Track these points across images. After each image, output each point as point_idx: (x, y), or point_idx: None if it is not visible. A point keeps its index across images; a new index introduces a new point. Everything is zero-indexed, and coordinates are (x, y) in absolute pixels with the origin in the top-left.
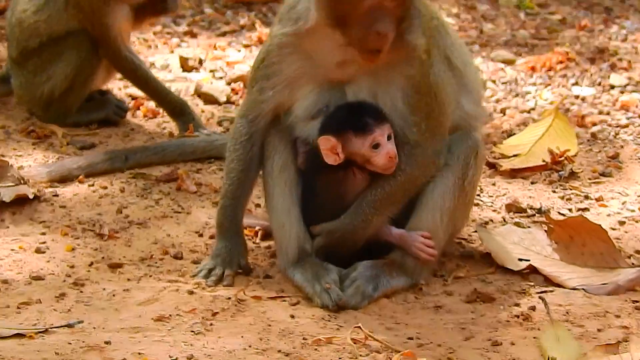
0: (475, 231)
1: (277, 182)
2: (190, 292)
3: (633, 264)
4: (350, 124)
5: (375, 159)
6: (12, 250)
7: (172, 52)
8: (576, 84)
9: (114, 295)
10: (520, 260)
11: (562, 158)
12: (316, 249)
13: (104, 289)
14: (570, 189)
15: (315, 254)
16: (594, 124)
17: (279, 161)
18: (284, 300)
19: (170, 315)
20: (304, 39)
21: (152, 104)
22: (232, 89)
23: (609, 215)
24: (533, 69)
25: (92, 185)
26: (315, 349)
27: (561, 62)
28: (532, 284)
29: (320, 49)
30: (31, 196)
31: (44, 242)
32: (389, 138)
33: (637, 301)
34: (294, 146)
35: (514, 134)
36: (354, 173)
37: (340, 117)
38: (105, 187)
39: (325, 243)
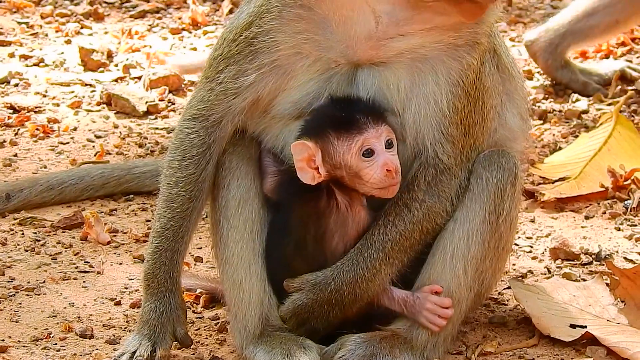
0: (509, 287)
1: (233, 223)
2: None
3: None
4: (332, 120)
5: (367, 172)
6: None
7: (68, 42)
8: None
9: None
10: (573, 326)
11: (629, 181)
12: (289, 315)
13: None
14: None
15: (288, 323)
16: None
17: (238, 191)
18: None
19: None
20: None
21: (43, 118)
22: (159, 93)
23: None
24: (583, 54)
25: None
26: None
27: (623, 43)
28: (590, 359)
29: (349, 11)
30: None
31: None
32: (388, 146)
33: None
34: (259, 168)
35: (560, 148)
36: (337, 202)
37: (321, 113)
38: None
39: (307, 303)
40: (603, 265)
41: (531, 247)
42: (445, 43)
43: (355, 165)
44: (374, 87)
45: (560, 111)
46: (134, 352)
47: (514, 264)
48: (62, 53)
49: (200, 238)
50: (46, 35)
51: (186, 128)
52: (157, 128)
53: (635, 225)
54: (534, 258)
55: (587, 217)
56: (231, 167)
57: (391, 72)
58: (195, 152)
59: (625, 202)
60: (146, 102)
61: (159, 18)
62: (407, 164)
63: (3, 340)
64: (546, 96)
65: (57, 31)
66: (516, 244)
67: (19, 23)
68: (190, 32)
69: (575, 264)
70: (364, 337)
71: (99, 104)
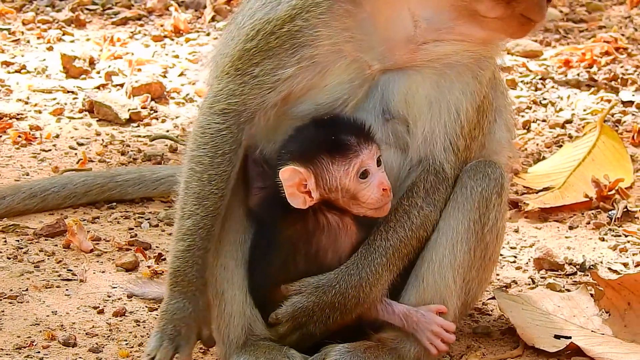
0: (493, 297)
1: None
2: None
3: None
4: (324, 144)
5: (365, 193)
6: None
7: (50, 49)
8: (628, 83)
9: None
10: (558, 337)
11: (613, 191)
12: (286, 318)
13: None
14: (626, 235)
15: (282, 327)
16: None
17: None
18: None
19: None
20: None
21: (25, 125)
22: (141, 101)
23: None
24: (567, 64)
25: None
26: None
27: (607, 53)
28: None
29: (390, 11)
30: None
31: None
32: (378, 164)
33: None
34: (244, 178)
35: (544, 158)
36: (327, 219)
37: (308, 137)
38: None
39: (307, 306)
40: (587, 275)
41: (515, 257)
42: (478, 53)
43: (354, 188)
44: (395, 91)
45: (543, 120)
46: (153, 358)
47: (498, 274)
48: (44, 60)
49: None
50: (28, 41)
51: (216, 123)
52: (139, 136)
53: (620, 236)
54: (518, 268)
55: (571, 227)
56: None
57: (419, 77)
58: (227, 149)
59: (610, 213)
60: (128, 110)
61: (141, 25)
62: (401, 173)
63: None
64: (530, 106)
65: (38, 38)
66: (500, 254)
67: (1, 29)
68: (173, 40)
69: (560, 274)
70: (349, 347)
71: (81, 111)
